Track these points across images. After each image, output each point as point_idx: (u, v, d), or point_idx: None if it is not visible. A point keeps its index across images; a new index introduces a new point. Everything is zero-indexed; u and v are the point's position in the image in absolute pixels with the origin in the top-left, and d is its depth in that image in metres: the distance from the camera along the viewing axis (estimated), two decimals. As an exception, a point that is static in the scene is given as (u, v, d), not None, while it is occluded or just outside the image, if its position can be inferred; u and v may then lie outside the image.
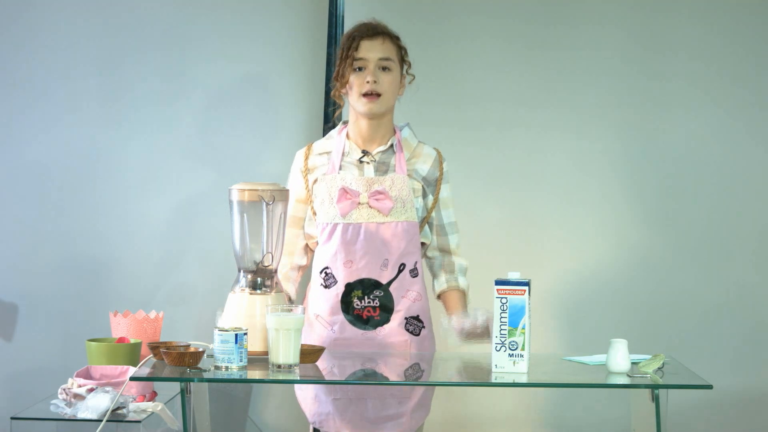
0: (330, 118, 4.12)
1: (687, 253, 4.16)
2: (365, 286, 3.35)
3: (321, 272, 3.38)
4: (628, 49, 4.15)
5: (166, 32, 4.13)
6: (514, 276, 3.00)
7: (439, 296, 3.49)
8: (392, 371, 3.20)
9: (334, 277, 3.35)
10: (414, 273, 3.40)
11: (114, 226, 4.13)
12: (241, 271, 3.21)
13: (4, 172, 4.13)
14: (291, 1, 4.16)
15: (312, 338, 3.37)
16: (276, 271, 3.23)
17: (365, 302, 3.35)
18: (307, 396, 3.39)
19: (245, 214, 3.20)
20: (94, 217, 4.13)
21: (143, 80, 4.13)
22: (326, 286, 3.37)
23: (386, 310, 3.36)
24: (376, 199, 3.35)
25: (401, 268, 3.37)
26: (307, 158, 3.44)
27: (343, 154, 3.41)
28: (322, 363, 3.19)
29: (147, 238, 4.13)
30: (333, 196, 3.36)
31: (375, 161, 3.41)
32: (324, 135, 4.09)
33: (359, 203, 3.35)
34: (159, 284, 4.12)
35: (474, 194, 3.93)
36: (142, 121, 4.14)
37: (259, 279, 3.19)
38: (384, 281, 3.35)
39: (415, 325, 3.40)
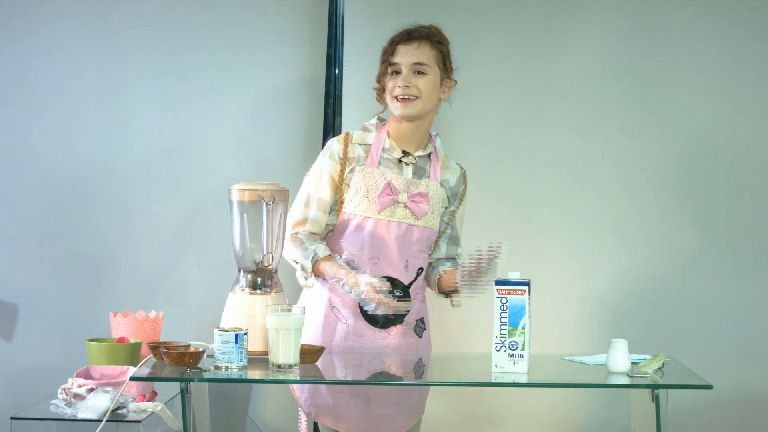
0: (330, 121, 4.12)
1: (687, 253, 4.16)
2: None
3: (345, 264, 3.37)
4: (632, 45, 4.14)
5: (164, 32, 4.13)
6: (514, 276, 3.00)
7: (439, 279, 3.48)
8: (394, 370, 3.20)
9: (356, 270, 3.35)
10: (425, 278, 3.45)
11: (114, 226, 4.13)
12: (241, 271, 3.21)
13: (5, 172, 4.13)
14: (291, 1, 4.16)
15: (324, 329, 3.36)
16: (276, 271, 3.23)
17: None
18: (303, 387, 3.38)
19: (245, 214, 3.20)
20: (94, 217, 4.13)
21: (142, 81, 4.13)
22: None
23: (403, 312, 3.37)
24: (414, 201, 3.37)
25: (419, 272, 3.40)
26: (346, 146, 3.43)
27: (382, 150, 3.43)
28: (326, 359, 3.19)
29: (147, 238, 4.12)
30: (370, 189, 3.36)
31: (415, 164, 3.43)
32: (324, 136, 4.11)
33: (397, 201, 3.36)
34: (159, 284, 4.12)
35: (474, 193, 3.91)
36: (142, 122, 4.13)
37: (259, 279, 3.19)
38: (405, 282, 3.37)
39: (420, 327, 3.42)
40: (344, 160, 3.41)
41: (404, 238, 3.38)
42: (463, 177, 3.52)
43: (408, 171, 3.43)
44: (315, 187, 3.41)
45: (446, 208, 3.48)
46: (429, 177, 3.44)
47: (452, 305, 3.47)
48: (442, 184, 3.45)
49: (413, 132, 3.42)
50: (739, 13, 4.15)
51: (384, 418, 3.36)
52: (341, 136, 3.44)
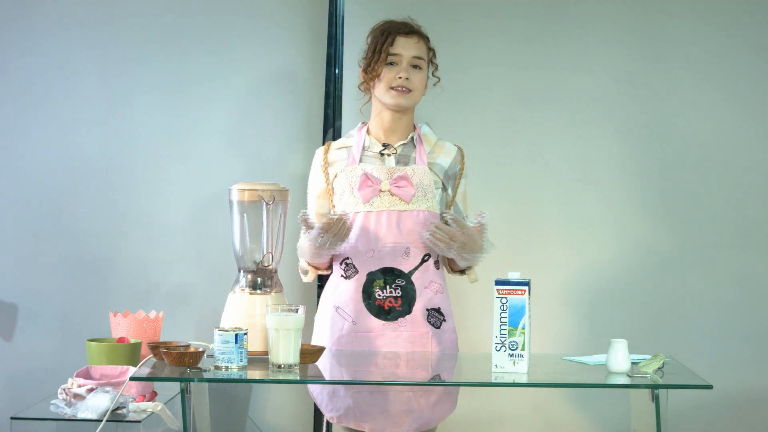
0: (330, 122, 4.12)
1: (687, 253, 4.16)
2: (387, 274, 3.35)
3: (341, 263, 3.37)
4: (631, 46, 4.14)
5: (165, 33, 4.13)
6: (514, 276, 3.00)
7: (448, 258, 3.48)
8: (400, 369, 3.20)
9: (354, 267, 3.35)
10: (437, 265, 3.42)
11: (114, 226, 4.12)
12: (241, 271, 3.21)
13: (5, 172, 4.13)
14: (291, 1, 4.16)
15: (332, 331, 3.36)
16: (276, 271, 3.23)
17: (387, 292, 3.35)
18: (323, 392, 3.38)
19: (245, 214, 3.21)
20: (94, 217, 4.13)
21: (142, 83, 4.13)
22: (347, 277, 3.37)
23: (408, 300, 3.35)
24: (398, 186, 3.37)
25: (426, 258, 3.38)
26: (326, 153, 3.46)
27: (363, 148, 3.44)
28: (333, 358, 3.19)
29: (147, 238, 4.12)
30: (354, 185, 3.37)
31: (396, 153, 3.43)
32: (324, 136, 4.12)
33: (381, 190, 3.37)
34: (159, 284, 4.12)
35: (474, 193, 3.92)
36: (142, 123, 4.13)
37: (259, 279, 3.19)
38: (406, 270, 3.36)
39: (436, 317, 3.39)
40: (326, 165, 3.44)
41: (398, 226, 3.37)
42: (461, 155, 3.50)
43: (390, 161, 3.43)
44: (310, 203, 3.47)
45: (444, 191, 3.47)
46: (415, 162, 3.44)
47: (470, 281, 3.45)
48: (431, 168, 3.44)
49: (395, 122, 3.43)
50: (737, 16, 4.15)
51: (406, 412, 3.33)
52: (323, 146, 3.50)
